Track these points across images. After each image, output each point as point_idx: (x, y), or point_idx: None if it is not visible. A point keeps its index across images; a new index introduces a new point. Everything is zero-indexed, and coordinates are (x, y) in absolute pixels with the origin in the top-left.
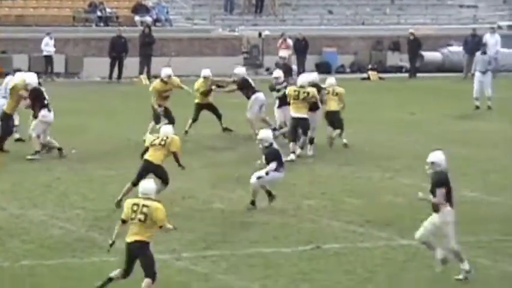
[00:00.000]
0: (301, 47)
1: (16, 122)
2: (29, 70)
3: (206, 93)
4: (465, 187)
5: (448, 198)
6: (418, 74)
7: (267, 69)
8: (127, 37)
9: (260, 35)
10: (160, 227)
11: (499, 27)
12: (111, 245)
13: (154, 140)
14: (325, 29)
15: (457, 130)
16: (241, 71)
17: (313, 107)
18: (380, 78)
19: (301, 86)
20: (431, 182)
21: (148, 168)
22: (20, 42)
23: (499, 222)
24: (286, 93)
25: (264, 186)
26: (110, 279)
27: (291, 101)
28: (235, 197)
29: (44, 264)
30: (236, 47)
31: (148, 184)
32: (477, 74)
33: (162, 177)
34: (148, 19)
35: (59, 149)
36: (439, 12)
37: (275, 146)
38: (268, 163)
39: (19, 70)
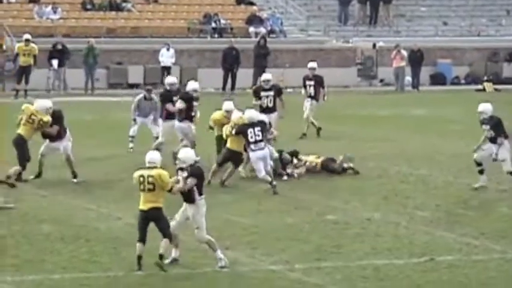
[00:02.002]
0: (416, 58)
1: (160, 139)
2: (144, 81)
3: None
4: None
5: (200, 191)
6: None
7: (381, 81)
8: (241, 48)
9: (374, 46)
10: (169, 190)
11: None
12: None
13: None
14: (439, 40)
15: None
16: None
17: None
18: (495, 89)
19: None
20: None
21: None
22: (136, 53)
23: None
24: None
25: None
26: (140, 257)
27: None
28: (349, 208)
29: (157, 274)
30: (350, 58)
31: (154, 154)
32: None
33: (237, 163)
34: (262, 30)
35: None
36: None
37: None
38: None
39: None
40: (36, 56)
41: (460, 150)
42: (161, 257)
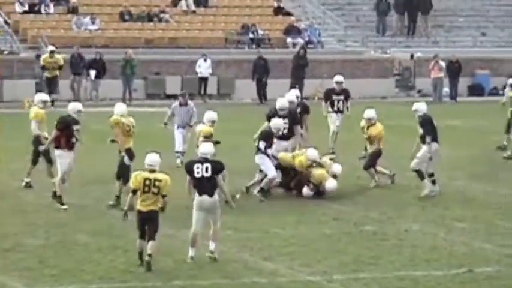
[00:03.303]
0: (454, 69)
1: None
2: None
3: None
4: None
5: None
6: None
7: (419, 92)
8: (279, 59)
9: (412, 56)
10: (164, 196)
11: None
12: (125, 214)
13: None
14: (478, 51)
15: None
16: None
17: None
18: None
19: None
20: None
21: None
22: (173, 64)
23: None
24: None
25: None
26: (142, 253)
27: None
28: (386, 219)
29: (195, 285)
30: (388, 69)
31: (155, 157)
32: None
33: None
34: (300, 41)
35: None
36: None
37: None
38: None
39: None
40: (62, 67)
41: (498, 160)
42: (150, 256)
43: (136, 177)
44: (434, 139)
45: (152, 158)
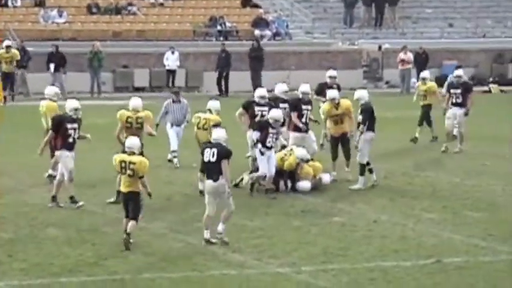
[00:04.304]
0: (422, 60)
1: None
2: (150, 85)
3: None
4: None
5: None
6: None
7: (387, 83)
8: (246, 51)
9: (380, 48)
10: (141, 177)
11: None
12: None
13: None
14: (445, 42)
15: None
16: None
17: None
18: (501, 91)
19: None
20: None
21: None
22: (141, 56)
23: None
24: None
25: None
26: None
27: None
28: (355, 210)
29: (164, 277)
30: (356, 60)
31: (135, 140)
32: None
33: None
34: (268, 33)
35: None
36: None
37: None
38: None
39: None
40: (18, 61)
41: (466, 151)
42: (129, 235)
43: (115, 159)
44: (370, 128)
45: (131, 142)
